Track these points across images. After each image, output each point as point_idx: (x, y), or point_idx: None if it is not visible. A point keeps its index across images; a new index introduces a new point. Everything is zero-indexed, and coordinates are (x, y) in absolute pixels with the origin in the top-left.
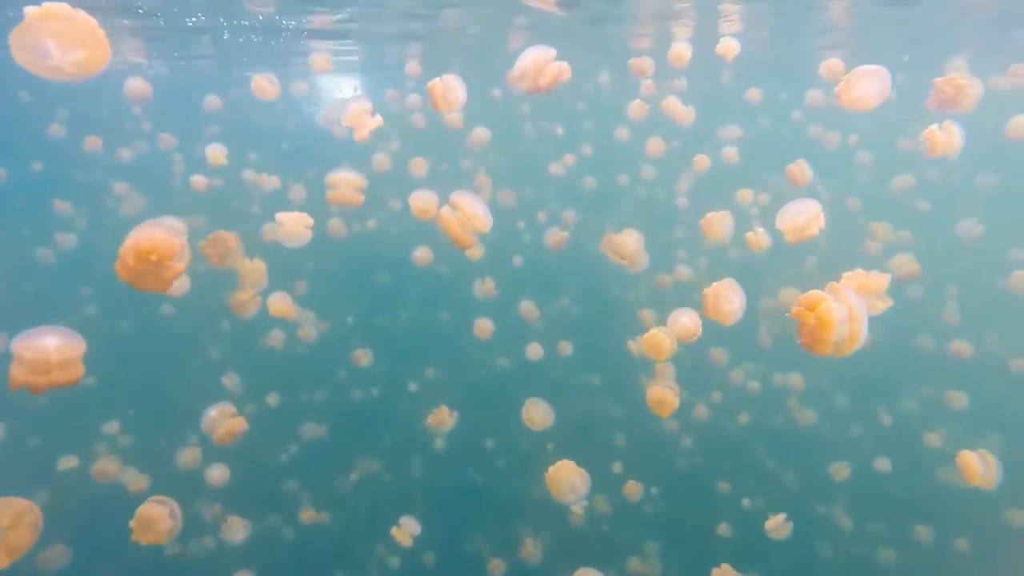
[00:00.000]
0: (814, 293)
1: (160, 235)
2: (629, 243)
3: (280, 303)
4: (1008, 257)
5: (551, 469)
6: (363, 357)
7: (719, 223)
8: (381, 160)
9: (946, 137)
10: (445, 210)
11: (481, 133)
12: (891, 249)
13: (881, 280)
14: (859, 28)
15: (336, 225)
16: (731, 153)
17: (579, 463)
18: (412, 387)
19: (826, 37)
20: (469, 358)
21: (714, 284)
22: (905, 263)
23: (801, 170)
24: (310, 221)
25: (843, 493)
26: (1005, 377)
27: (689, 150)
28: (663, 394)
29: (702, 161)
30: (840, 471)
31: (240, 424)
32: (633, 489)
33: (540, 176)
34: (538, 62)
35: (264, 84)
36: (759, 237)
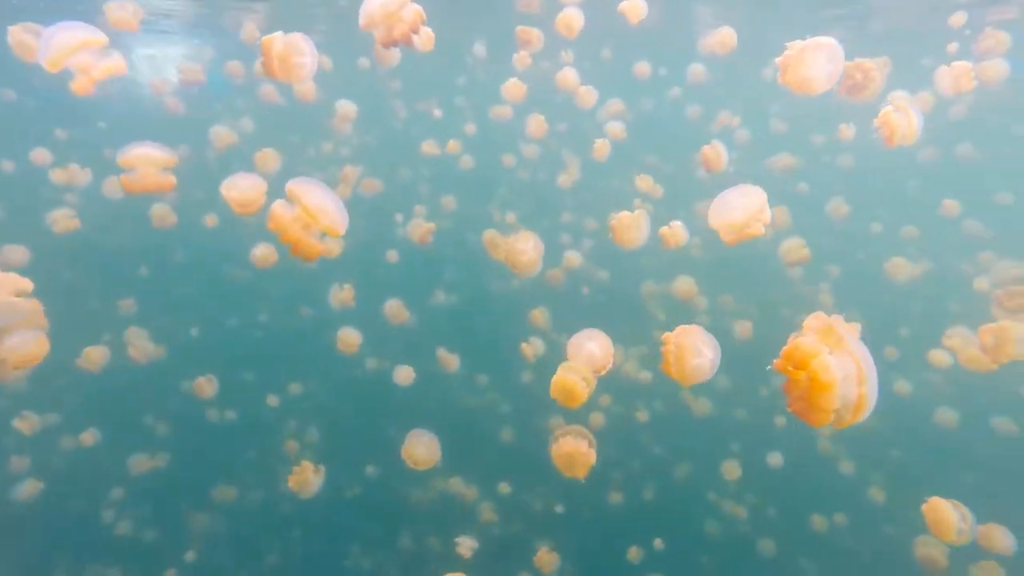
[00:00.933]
0: (803, 344)
1: None
2: (526, 251)
3: (26, 351)
4: (871, 231)
5: None
6: (206, 386)
7: (633, 225)
8: (222, 135)
9: (905, 121)
10: (278, 206)
11: (347, 109)
12: (779, 234)
13: (851, 329)
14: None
15: (162, 214)
16: (616, 130)
17: (466, 472)
18: (272, 402)
19: (715, 4)
20: (340, 359)
21: (677, 331)
22: (796, 248)
23: (716, 153)
24: (26, 286)
25: (734, 485)
26: (880, 362)
27: (574, 129)
28: (575, 447)
29: (602, 147)
30: (731, 471)
31: None
32: (545, 559)
33: (415, 158)
34: (388, 5)
35: (24, 38)
36: (675, 232)
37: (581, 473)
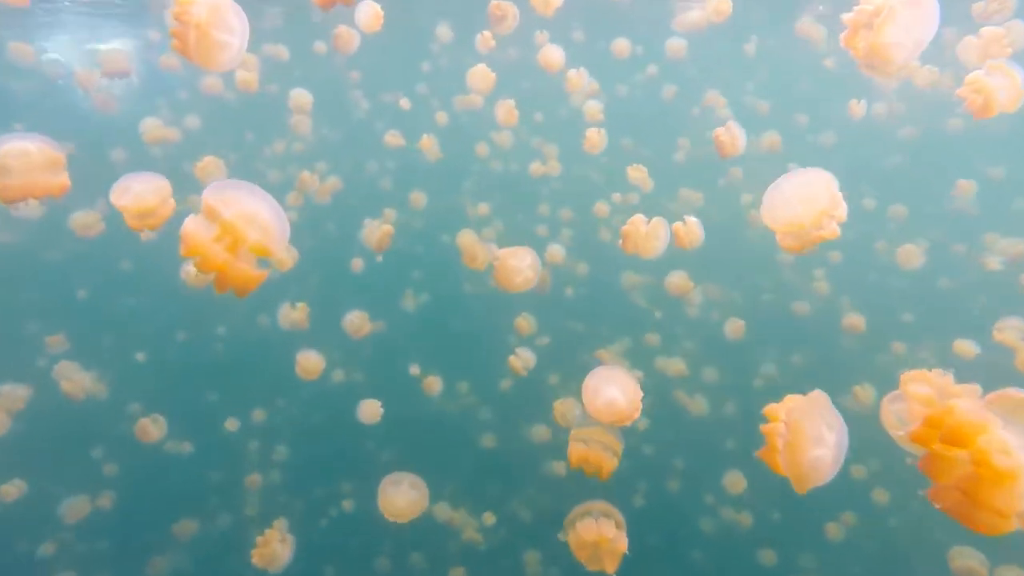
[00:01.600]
0: (963, 411)
1: None
2: (522, 271)
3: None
4: (862, 206)
5: None
6: (151, 427)
7: (652, 234)
8: (153, 129)
9: (1009, 83)
10: (191, 223)
11: (302, 99)
12: None
13: (969, 391)
14: None
15: (86, 222)
16: (594, 110)
17: (449, 484)
18: (231, 425)
19: None
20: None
21: (789, 406)
22: None
23: (732, 136)
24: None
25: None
26: (887, 354)
27: (549, 115)
28: (598, 533)
29: (594, 137)
30: (736, 484)
31: None
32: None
33: (380, 151)
34: None
35: None
36: (690, 229)
37: (611, 567)
